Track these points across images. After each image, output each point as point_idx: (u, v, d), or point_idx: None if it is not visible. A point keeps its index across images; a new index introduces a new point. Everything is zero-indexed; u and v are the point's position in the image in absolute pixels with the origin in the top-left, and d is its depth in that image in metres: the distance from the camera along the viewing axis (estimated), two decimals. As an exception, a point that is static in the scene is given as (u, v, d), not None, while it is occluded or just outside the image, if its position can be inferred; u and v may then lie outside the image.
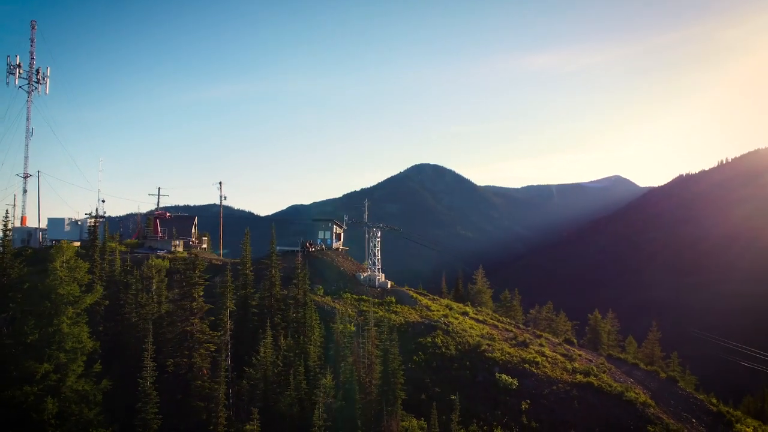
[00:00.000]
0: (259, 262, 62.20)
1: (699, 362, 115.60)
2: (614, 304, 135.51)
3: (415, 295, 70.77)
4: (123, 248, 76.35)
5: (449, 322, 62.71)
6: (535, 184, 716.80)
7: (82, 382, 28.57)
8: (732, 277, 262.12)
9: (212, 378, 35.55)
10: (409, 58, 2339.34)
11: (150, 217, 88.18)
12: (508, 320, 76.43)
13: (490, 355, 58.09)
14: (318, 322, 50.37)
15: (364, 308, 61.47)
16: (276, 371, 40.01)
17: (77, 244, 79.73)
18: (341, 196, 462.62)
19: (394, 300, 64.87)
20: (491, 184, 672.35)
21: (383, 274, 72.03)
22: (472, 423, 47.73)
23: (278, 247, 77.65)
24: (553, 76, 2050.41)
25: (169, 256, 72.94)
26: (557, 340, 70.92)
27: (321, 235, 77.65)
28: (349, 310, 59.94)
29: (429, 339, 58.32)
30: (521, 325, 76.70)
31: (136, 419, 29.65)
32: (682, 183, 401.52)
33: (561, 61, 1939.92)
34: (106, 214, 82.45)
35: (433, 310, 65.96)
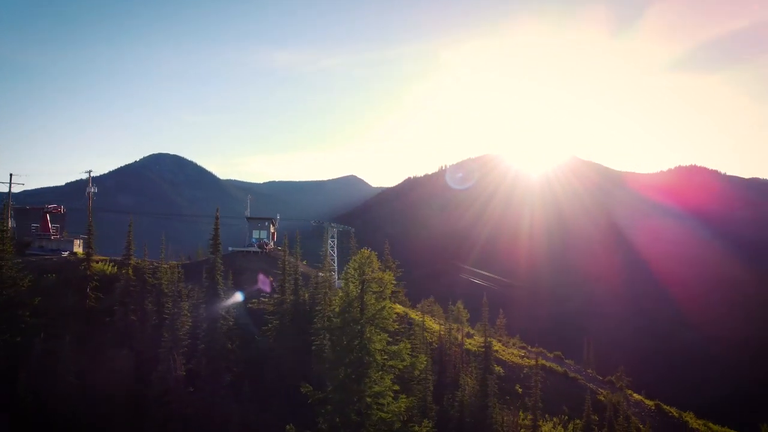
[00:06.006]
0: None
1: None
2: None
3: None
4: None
5: (413, 318, 65.91)
6: (277, 180, 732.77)
7: (405, 401, 25.96)
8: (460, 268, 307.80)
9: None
10: (144, 37, 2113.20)
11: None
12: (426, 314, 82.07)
13: (464, 346, 63.27)
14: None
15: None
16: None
17: None
18: (64, 184, 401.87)
19: (361, 300, 65.20)
20: (234, 178, 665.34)
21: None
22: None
23: (230, 248, 70.40)
24: (296, 74, 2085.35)
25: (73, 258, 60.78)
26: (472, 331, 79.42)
27: (256, 234, 72.22)
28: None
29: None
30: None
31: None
32: (410, 185, 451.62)
33: (304, 59, 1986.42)
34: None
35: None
